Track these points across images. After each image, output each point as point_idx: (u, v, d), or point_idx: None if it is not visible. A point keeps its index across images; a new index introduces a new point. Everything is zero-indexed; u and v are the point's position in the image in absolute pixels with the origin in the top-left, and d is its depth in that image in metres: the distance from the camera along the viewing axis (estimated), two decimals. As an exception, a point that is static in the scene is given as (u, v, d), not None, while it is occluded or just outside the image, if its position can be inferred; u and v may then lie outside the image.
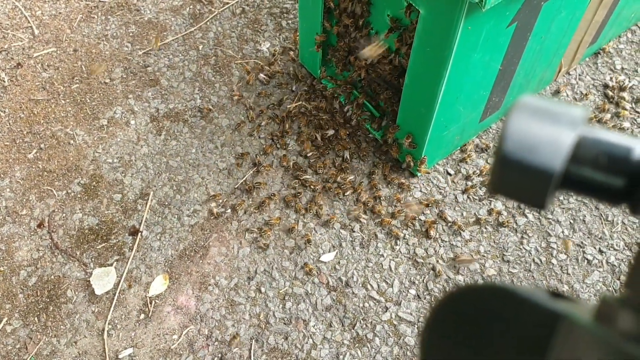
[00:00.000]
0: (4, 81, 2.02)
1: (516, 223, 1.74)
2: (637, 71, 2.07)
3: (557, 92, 2.02)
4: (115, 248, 1.69)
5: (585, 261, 1.68)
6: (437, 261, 1.67)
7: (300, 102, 1.95)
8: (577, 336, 0.28)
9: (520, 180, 0.28)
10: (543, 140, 0.28)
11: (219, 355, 1.53)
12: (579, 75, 2.08)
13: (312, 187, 1.78)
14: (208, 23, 2.21)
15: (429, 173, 1.82)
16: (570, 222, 1.75)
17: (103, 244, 1.69)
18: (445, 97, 1.50)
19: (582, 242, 1.71)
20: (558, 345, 0.29)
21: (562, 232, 1.73)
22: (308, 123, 1.91)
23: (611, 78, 2.05)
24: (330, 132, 1.88)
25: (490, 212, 1.75)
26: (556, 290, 0.30)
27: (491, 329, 0.32)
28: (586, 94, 2.01)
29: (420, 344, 0.36)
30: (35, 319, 1.58)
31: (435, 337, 0.35)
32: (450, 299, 0.34)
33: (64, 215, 1.74)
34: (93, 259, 1.67)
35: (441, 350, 0.35)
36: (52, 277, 1.64)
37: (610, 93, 2.00)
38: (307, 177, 1.80)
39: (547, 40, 1.68)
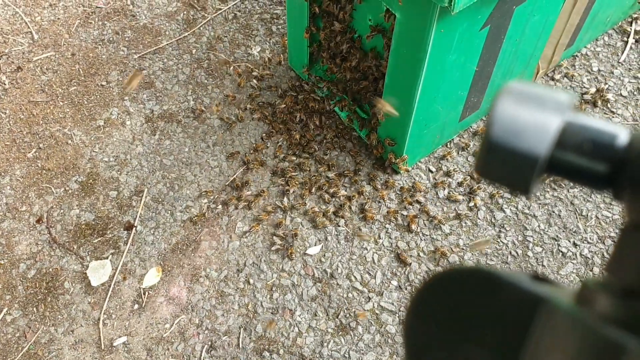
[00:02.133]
0: (5, 84, 2.11)
1: (494, 218, 1.82)
2: (612, 73, 2.15)
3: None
4: (110, 242, 1.77)
5: (560, 254, 1.76)
6: (419, 254, 1.75)
7: (288, 104, 2.04)
8: (557, 319, 0.28)
9: (506, 165, 0.29)
10: (529, 125, 0.28)
11: (209, 343, 1.61)
12: (557, 77, 2.16)
13: (298, 184, 1.86)
14: (201, 28, 2.30)
15: (408, 171, 1.90)
16: (546, 217, 1.83)
17: (99, 239, 1.77)
18: (423, 96, 1.58)
19: (557, 236, 1.79)
20: (539, 327, 0.29)
21: (539, 226, 1.81)
22: (295, 123, 2.00)
23: (588, 80, 2.14)
24: (317, 131, 1.97)
25: (471, 208, 1.84)
26: (538, 273, 0.32)
27: (472, 312, 0.33)
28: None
29: (404, 327, 0.36)
30: (34, 309, 1.66)
31: (418, 321, 0.35)
32: (433, 282, 0.34)
33: (61, 211, 1.83)
34: (89, 253, 1.75)
35: (424, 334, 0.35)
36: (50, 269, 1.72)
37: (588, 95, 2.09)
38: (295, 174, 1.88)
39: (522, 43, 1.77)
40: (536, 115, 0.28)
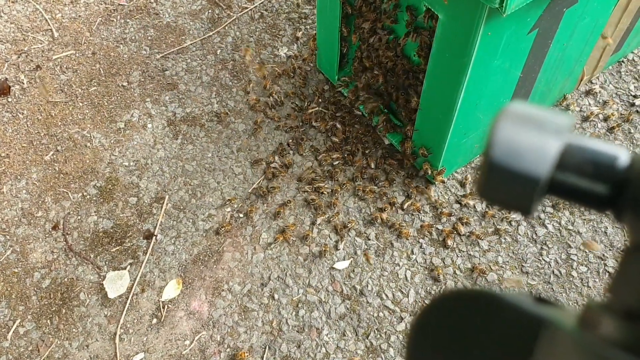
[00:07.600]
0: (23, 83, 2.03)
1: (536, 234, 1.71)
2: (662, 80, 2.02)
3: (579, 100, 1.99)
4: (129, 251, 1.68)
5: (607, 274, 1.64)
6: (455, 272, 1.64)
7: (316, 108, 1.94)
8: (560, 342, 0.28)
9: (506, 186, 0.29)
10: (530, 147, 0.28)
11: (231, 362, 1.52)
12: (602, 83, 2.04)
13: (326, 193, 1.76)
14: (226, 28, 2.21)
15: (444, 182, 1.79)
16: (591, 234, 1.71)
17: (117, 247, 1.69)
18: (464, 103, 1.47)
19: (603, 255, 1.67)
20: (541, 350, 0.29)
21: (584, 243, 1.69)
22: (324, 129, 1.90)
23: (635, 87, 2.01)
24: (347, 138, 1.86)
25: (509, 222, 1.72)
26: (541, 295, 0.31)
27: (476, 334, 0.32)
28: (609, 103, 1.97)
29: (406, 347, 0.36)
30: (48, 321, 1.58)
31: (421, 341, 0.35)
32: (437, 303, 0.34)
33: (79, 217, 1.74)
34: (107, 262, 1.66)
35: (426, 353, 0.35)
36: (66, 279, 1.64)
37: (638, 99, 1.96)
38: (321, 184, 1.78)
39: (569, 48, 1.65)
40: (536, 137, 0.28)
